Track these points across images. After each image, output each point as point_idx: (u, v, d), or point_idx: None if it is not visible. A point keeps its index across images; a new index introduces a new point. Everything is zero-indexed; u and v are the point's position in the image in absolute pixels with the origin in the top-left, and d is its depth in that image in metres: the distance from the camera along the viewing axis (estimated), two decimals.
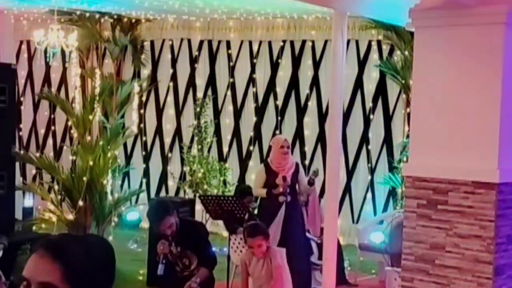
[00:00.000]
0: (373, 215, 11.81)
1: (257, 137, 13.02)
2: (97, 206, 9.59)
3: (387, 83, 11.90)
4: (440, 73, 6.12)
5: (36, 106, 15.09)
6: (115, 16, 13.56)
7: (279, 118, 12.78)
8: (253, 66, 13.09)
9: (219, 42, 13.40)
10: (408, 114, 9.85)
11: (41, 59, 14.40)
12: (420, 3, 6.13)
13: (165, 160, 13.85)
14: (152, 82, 13.94)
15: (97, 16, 13.46)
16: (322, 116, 12.28)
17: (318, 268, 8.47)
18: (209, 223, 11.47)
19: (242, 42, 13.18)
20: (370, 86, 12.15)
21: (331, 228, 7.28)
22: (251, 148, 13.05)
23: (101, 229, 9.68)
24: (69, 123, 11.16)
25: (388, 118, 11.98)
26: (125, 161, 13.80)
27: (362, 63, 12.18)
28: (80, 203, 9.47)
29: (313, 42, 12.57)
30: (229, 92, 13.29)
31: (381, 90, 12.03)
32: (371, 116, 12.07)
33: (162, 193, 13.75)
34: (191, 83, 13.66)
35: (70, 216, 9.66)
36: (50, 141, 14.95)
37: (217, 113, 13.35)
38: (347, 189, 12.23)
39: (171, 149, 13.84)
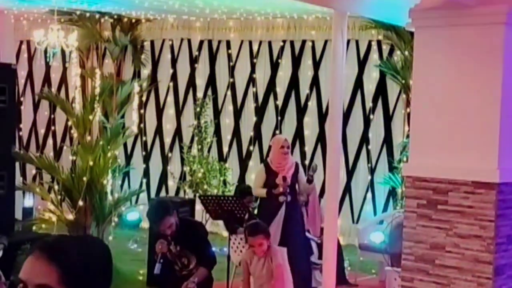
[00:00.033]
0: (373, 215, 11.81)
1: (257, 137, 13.02)
2: (97, 206, 9.59)
3: (387, 83, 11.90)
4: (440, 73, 6.12)
5: (36, 106, 15.10)
6: (115, 16, 13.56)
7: (279, 118, 12.78)
8: (253, 66, 13.09)
9: (219, 42, 13.40)
10: (408, 114, 9.85)
11: (41, 59, 14.41)
12: (420, 3, 6.13)
13: (165, 160, 13.85)
14: (152, 82, 13.94)
15: (97, 16, 13.47)
16: (322, 116, 12.28)
17: (318, 267, 8.47)
18: (209, 223, 11.47)
19: (242, 42, 13.19)
20: (370, 86, 12.15)
21: (331, 228, 7.28)
22: (251, 148, 13.06)
23: (101, 229, 9.67)
24: (69, 123, 11.16)
25: (388, 118, 11.99)
26: (125, 161, 13.79)
27: (362, 63, 12.18)
28: (80, 203, 9.46)
29: (313, 42, 12.57)
30: (229, 92, 13.29)
31: (381, 90, 12.04)
32: (371, 116, 12.07)
33: (162, 193, 13.75)
34: (191, 83, 13.66)
35: (70, 216, 9.65)
36: (50, 141, 14.96)
37: (217, 113, 13.35)
38: (347, 189, 12.23)
39: (171, 149, 13.85)
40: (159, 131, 14.00)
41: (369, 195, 12.08)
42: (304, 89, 12.68)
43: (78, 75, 13.92)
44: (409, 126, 7.21)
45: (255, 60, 13.07)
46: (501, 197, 5.79)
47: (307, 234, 8.81)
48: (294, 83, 12.77)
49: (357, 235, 10.27)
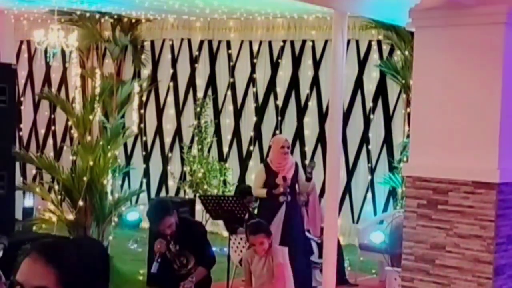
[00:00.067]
0: (373, 215, 11.81)
1: (257, 137, 13.02)
2: (97, 206, 9.59)
3: (387, 83, 11.90)
4: (440, 73, 6.12)
5: (36, 106, 15.10)
6: (115, 16, 13.56)
7: (279, 118, 12.78)
8: (253, 66, 13.09)
9: (219, 42, 13.40)
10: (408, 114, 9.84)
11: (41, 59, 14.41)
12: (420, 3, 6.13)
13: (165, 160, 13.85)
14: (152, 82, 13.94)
15: (97, 16, 13.46)
16: (322, 116, 12.28)
17: (319, 266, 8.47)
18: (209, 223, 11.47)
19: (242, 42, 13.19)
20: (370, 86, 12.15)
21: (331, 228, 7.28)
22: (251, 148, 13.06)
23: (101, 229, 9.67)
24: (69, 123, 11.16)
25: (388, 118, 11.98)
26: (125, 161, 13.80)
27: (362, 63, 12.18)
28: (80, 203, 9.46)
29: (313, 42, 12.57)
30: (229, 92, 13.29)
31: (381, 90, 12.03)
32: (371, 116, 12.07)
33: (162, 193, 13.75)
34: (191, 83, 13.66)
35: (70, 216, 9.65)
36: (50, 141, 14.96)
37: (217, 113, 13.35)
38: (347, 189, 12.23)
39: (171, 149, 13.85)
40: (159, 131, 14.00)
41: (369, 195, 12.07)
42: (304, 89, 12.68)
43: (78, 75, 13.92)
44: (409, 126, 7.21)
45: (255, 60, 13.07)
46: (501, 197, 5.79)
47: (307, 234, 8.82)
48: (294, 83, 12.77)
49: (357, 235, 10.27)
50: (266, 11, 12.22)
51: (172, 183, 13.64)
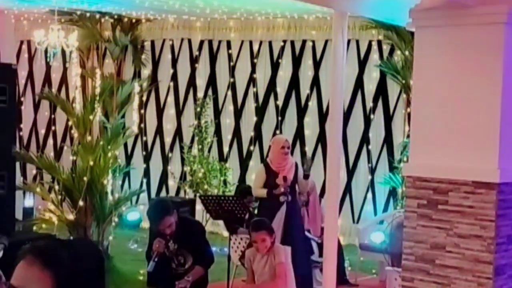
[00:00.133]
0: (374, 215, 11.81)
1: (257, 137, 13.02)
2: (97, 206, 9.59)
3: (388, 83, 11.90)
4: (441, 73, 6.12)
5: (36, 106, 15.10)
6: (116, 16, 13.56)
7: (279, 118, 12.78)
8: (253, 66, 13.09)
9: (220, 42, 13.40)
10: (409, 114, 9.85)
11: (41, 59, 14.40)
12: (420, 3, 6.12)
13: (165, 160, 13.85)
14: (152, 82, 13.94)
15: (97, 16, 13.47)
16: (323, 116, 12.28)
17: (319, 266, 8.47)
18: (209, 223, 11.48)
19: (242, 42, 13.19)
20: (370, 86, 12.15)
21: (331, 228, 7.28)
22: (252, 148, 13.06)
23: (101, 229, 9.67)
24: (70, 123, 11.16)
25: (388, 118, 11.98)
26: (126, 161, 13.80)
27: (362, 63, 12.18)
28: (81, 203, 9.47)
29: (313, 42, 12.57)
30: (229, 92, 13.29)
31: (381, 90, 12.03)
32: (372, 116, 12.07)
33: (163, 193, 13.75)
34: (192, 83, 13.66)
35: (71, 216, 9.66)
36: (50, 141, 14.96)
37: (217, 113, 13.35)
38: (348, 189, 12.23)
39: (171, 149, 13.85)
40: (159, 131, 14.00)
41: (370, 195, 12.08)
42: (304, 89, 12.68)
43: (79, 75, 13.92)
44: (410, 126, 7.21)
45: (255, 60, 13.07)
46: (502, 197, 5.79)
47: (307, 234, 8.82)
48: (294, 83, 12.77)
49: (357, 235, 10.27)
50: (266, 11, 12.23)
51: (172, 183, 13.64)
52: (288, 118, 12.80)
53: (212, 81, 13.47)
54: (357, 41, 12.13)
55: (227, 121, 13.33)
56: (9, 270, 2.02)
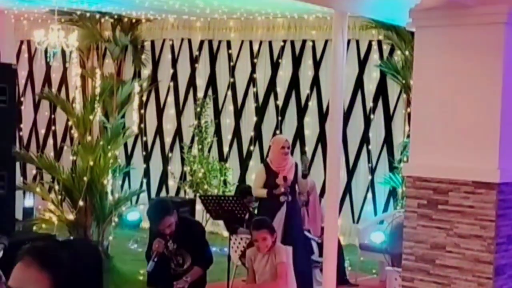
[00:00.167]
0: (374, 215, 11.81)
1: (257, 137, 13.02)
2: (97, 206, 9.59)
3: (388, 83, 11.90)
4: (441, 73, 6.11)
5: (36, 106, 15.10)
6: (116, 16, 13.57)
7: (279, 118, 12.78)
8: (253, 66, 13.09)
9: (220, 42, 13.40)
10: (409, 114, 9.85)
11: (41, 59, 14.41)
12: (420, 3, 6.12)
13: (165, 160, 13.85)
14: (152, 82, 13.95)
15: (97, 16, 13.47)
16: (323, 116, 12.28)
17: (319, 266, 8.47)
18: (209, 223, 11.49)
19: (242, 42, 13.19)
20: (370, 86, 12.15)
21: (331, 228, 7.28)
22: (252, 148, 13.06)
23: (101, 229, 9.67)
24: (70, 123, 11.17)
25: (388, 118, 11.98)
26: (126, 161, 13.80)
27: (362, 63, 12.18)
28: (81, 203, 9.47)
29: (313, 42, 12.57)
30: (229, 92, 13.29)
31: (381, 90, 12.03)
32: (372, 116, 12.07)
33: (163, 193, 13.75)
34: (192, 83, 13.66)
35: (71, 216, 9.66)
36: (50, 141, 14.97)
37: (217, 113, 13.35)
38: (348, 189, 12.23)
39: (171, 149, 13.85)
40: (159, 131, 14.00)
41: (370, 195, 12.08)
42: (304, 89, 12.68)
43: (79, 75, 13.92)
44: (410, 126, 7.21)
45: (255, 60, 13.07)
46: (502, 197, 5.79)
47: (308, 234, 8.82)
48: (294, 83, 12.77)
49: (357, 235, 10.27)
50: (266, 11, 12.23)
51: (172, 183, 13.64)
52: (288, 118, 12.80)
53: (212, 81, 13.47)
54: (357, 41, 12.14)
55: (227, 121, 13.33)
56: (9, 270, 2.01)
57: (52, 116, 14.78)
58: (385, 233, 9.04)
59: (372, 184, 12.04)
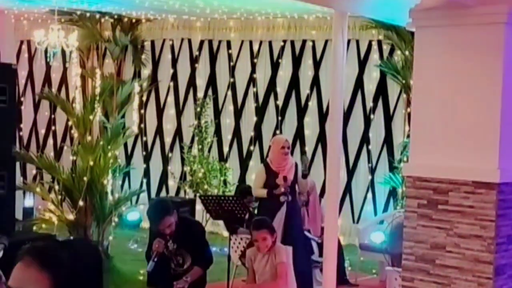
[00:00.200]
0: (374, 215, 11.81)
1: (257, 137, 13.02)
2: (97, 206, 9.60)
3: (388, 83, 11.89)
4: (441, 73, 6.12)
5: (36, 106, 15.10)
6: (116, 16, 13.57)
7: (279, 118, 12.78)
8: (253, 66, 13.09)
9: (220, 42, 13.40)
10: (409, 114, 9.85)
11: (41, 59, 14.41)
12: (420, 3, 6.12)
13: (165, 160, 13.85)
14: (152, 82, 13.95)
15: (97, 16, 13.47)
16: (323, 116, 12.28)
17: (319, 266, 8.47)
18: (209, 223, 11.49)
19: (242, 42, 13.19)
20: (370, 86, 12.15)
21: (331, 228, 7.28)
22: (252, 148, 13.06)
23: (101, 229, 9.68)
24: (70, 123, 11.17)
25: (388, 118, 11.98)
26: (126, 161, 13.80)
27: (362, 63, 12.18)
28: (81, 203, 9.47)
29: (313, 42, 12.57)
30: (229, 92, 13.29)
31: (381, 90, 12.03)
32: (372, 116, 12.07)
33: (163, 193, 13.75)
34: (192, 83, 13.66)
35: (71, 216, 9.66)
36: (50, 141, 14.96)
37: (217, 113, 13.35)
38: (348, 189, 12.23)
39: (171, 149, 13.85)
40: (159, 131, 14.00)
41: (370, 195, 12.07)
42: (304, 89, 12.68)
43: (79, 75, 13.92)
44: (410, 126, 7.21)
45: (255, 60, 13.07)
46: (502, 197, 5.79)
47: (308, 234, 8.82)
48: (294, 83, 12.77)
49: (357, 235, 10.27)
50: (266, 11, 12.23)
51: (172, 183, 13.64)
52: (288, 118, 12.80)
53: (212, 81, 13.47)
54: (357, 41, 12.14)
55: (227, 121, 13.33)
56: (9, 270, 2.01)
57: (52, 116, 14.78)
58: (385, 233, 9.03)
59: (372, 184, 12.04)
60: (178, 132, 13.78)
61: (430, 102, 6.15)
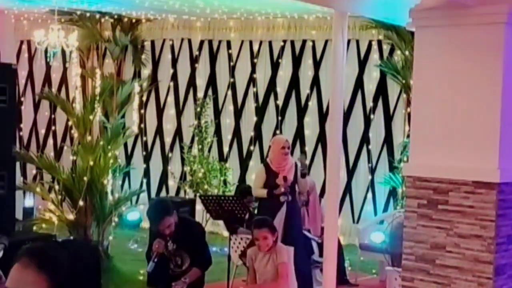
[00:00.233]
0: (374, 215, 11.81)
1: (257, 137, 13.02)
2: (97, 206, 9.60)
3: (388, 83, 11.89)
4: (441, 73, 6.12)
5: (36, 106, 15.10)
6: (116, 16, 13.56)
7: (279, 118, 12.78)
8: (253, 66, 13.09)
9: (220, 42, 13.40)
10: (409, 114, 9.85)
11: (41, 59, 14.41)
12: (420, 3, 6.13)
13: (165, 160, 13.85)
14: (152, 82, 13.95)
15: (97, 16, 13.47)
16: (323, 116, 12.28)
17: (319, 266, 8.47)
18: (209, 223, 11.49)
19: (242, 42, 13.19)
20: (370, 86, 12.14)
21: (331, 227, 7.28)
22: (252, 148, 13.06)
23: (101, 229, 9.68)
24: (70, 123, 11.17)
25: (388, 118, 11.98)
26: (126, 161, 13.80)
27: (362, 63, 12.18)
28: (81, 203, 9.47)
29: (313, 42, 12.57)
30: (229, 92, 13.29)
31: (381, 90, 12.03)
32: (372, 116, 12.07)
33: (163, 193, 13.75)
34: (192, 83, 13.66)
35: (71, 216, 9.66)
36: (50, 141, 14.96)
37: (217, 113, 13.35)
38: (348, 189, 12.23)
39: (171, 149, 13.85)
40: (159, 131, 14.00)
41: (370, 195, 12.07)
42: (304, 89, 12.68)
43: (79, 75, 13.93)
44: (410, 126, 7.21)
45: (255, 60, 13.07)
46: (502, 197, 5.79)
47: (307, 234, 8.82)
48: (294, 83, 12.77)
49: (357, 235, 10.27)
50: (266, 11, 12.23)
51: (172, 183, 13.64)
52: (288, 118, 12.80)
53: (212, 81, 13.47)
54: (357, 41, 12.13)
55: (227, 121, 13.33)
56: (9, 270, 2.00)
57: (52, 116, 14.78)
58: (385, 233, 9.03)
59: (372, 184, 12.04)
60: (178, 132, 13.78)
61: (430, 102, 6.15)
